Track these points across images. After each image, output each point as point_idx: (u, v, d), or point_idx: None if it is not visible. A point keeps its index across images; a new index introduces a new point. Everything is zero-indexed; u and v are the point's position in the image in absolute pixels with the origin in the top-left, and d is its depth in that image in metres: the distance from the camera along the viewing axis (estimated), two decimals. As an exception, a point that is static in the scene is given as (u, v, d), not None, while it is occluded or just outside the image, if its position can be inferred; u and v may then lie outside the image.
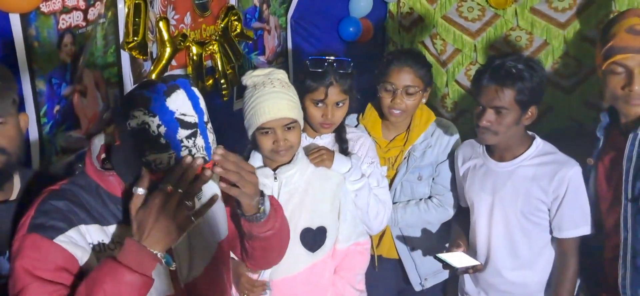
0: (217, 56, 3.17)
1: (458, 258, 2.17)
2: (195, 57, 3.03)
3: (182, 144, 1.37)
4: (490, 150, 2.21)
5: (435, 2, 4.83)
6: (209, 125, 1.43)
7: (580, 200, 2.06)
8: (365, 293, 2.10)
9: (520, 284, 2.19)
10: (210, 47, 3.13)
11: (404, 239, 2.47)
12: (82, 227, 1.38)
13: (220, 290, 1.63)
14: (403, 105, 2.27)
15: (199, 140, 1.38)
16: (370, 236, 2.23)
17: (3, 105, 1.53)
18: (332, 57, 2.12)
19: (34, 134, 2.21)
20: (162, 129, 1.34)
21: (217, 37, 3.18)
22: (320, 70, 2.08)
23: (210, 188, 1.48)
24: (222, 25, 3.20)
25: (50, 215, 1.36)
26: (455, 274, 2.26)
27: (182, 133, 1.36)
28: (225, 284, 1.67)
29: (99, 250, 1.40)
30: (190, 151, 1.38)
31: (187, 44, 2.97)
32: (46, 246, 1.34)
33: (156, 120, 1.33)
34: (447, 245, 2.42)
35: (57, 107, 2.32)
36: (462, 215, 2.44)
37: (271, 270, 1.88)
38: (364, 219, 2.12)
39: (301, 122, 1.95)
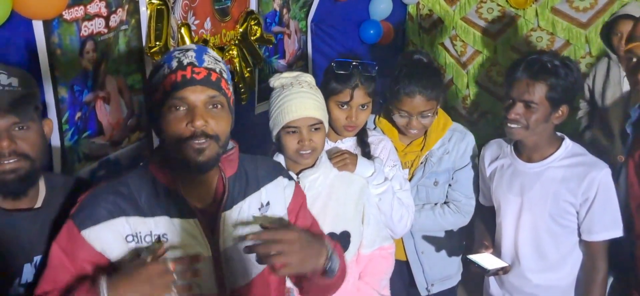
0: (236, 60, 3.16)
1: (488, 260, 2.14)
2: (215, 62, 3.03)
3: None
4: (518, 151, 2.16)
5: (455, 4, 4.80)
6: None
7: (611, 202, 2.02)
8: None
9: (547, 287, 2.14)
10: (230, 52, 3.13)
11: (414, 242, 2.44)
12: (122, 219, 1.42)
13: None
14: (420, 126, 2.24)
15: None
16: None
17: (26, 112, 1.54)
18: (358, 60, 2.11)
19: (56, 141, 2.22)
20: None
21: (237, 42, 3.17)
22: (345, 72, 2.07)
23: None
24: (241, 29, 3.20)
25: (90, 206, 1.43)
26: (485, 275, 2.22)
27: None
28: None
29: (136, 242, 1.43)
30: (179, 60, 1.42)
31: (208, 48, 2.97)
32: (75, 236, 1.41)
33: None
34: (465, 247, 2.39)
35: (78, 114, 2.33)
36: (485, 215, 2.39)
37: None
38: (388, 223, 2.10)
39: (326, 125, 1.93)
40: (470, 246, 2.42)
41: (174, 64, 1.42)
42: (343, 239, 1.89)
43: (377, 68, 2.13)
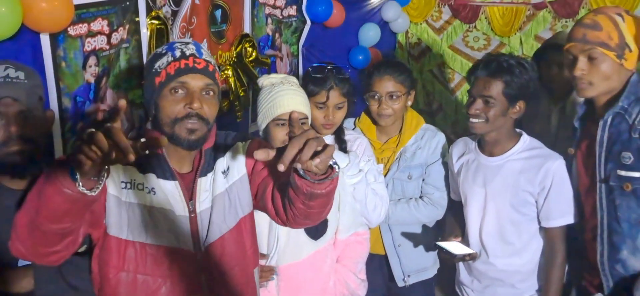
0: (231, 80, 3.31)
1: (456, 247, 2.31)
2: (211, 81, 3.18)
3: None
4: (482, 146, 2.33)
5: (442, 33, 5.00)
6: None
7: (565, 190, 2.18)
8: (366, 281, 2.19)
9: (511, 272, 2.29)
10: (225, 72, 3.28)
11: (392, 236, 2.58)
12: (120, 166, 1.58)
13: (237, 258, 1.77)
14: (389, 109, 2.44)
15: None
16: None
17: (32, 101, 1.74)
18: (332, 65, 2.31)
19: (59, 150, 2.34)
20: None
21: (232, 63, 3.33)
22: (321, 76, 2.25)
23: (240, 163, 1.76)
24: (236, 51, 3.36)
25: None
26: (453, 261, 2.34)
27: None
28: (244, 254, 1.80)
29: (129, 187, 1.62)
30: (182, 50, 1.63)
31: (204, 68, 3.13)
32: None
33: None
34: (439, 238, 2.51)
35: (80, 124, 2.46)
36: (455, 209, 2.53)
37: (278, 256, 2.02)
38: (363, 212, 2.25)
39: (310, 122, 2.08)
40: (443, 238, 2.54)
41: (177, 53, 1.63)
42: (321, 223, 2.03)
43: (349, 71, 2.32)
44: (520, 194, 2.20)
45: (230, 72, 3.31)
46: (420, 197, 2.55)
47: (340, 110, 2.33)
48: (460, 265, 2.45)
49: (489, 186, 2.26)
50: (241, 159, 1.83)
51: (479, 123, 2.19)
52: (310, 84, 2.29)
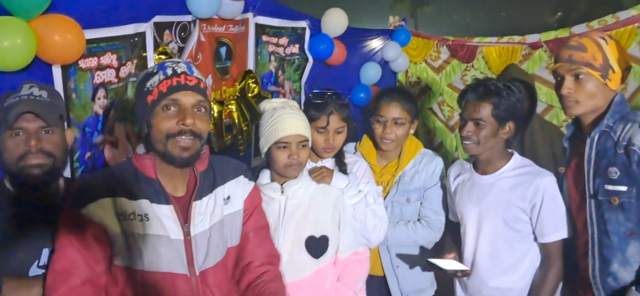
0: (235, 114, 3.40)
1: (448, 263, 2.35)
2: (215, 115, 3.27)
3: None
4: (476, 166, 2.39)
5: (441, 72, 5.11)
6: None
7: (557, 206, 2.24)
8: None
9: (503, 289, 2.33)
10: (229, 106, 3.37)
11: (390, 257, 2.63)
12: (110, 199, 1.62)
13: (226, 284, 1.81)
14: (393, 134, 2.52)
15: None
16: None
17: (52, 118, 1.83)
18: (332, 91, 2.39)
19: (67, 176, 2.41)
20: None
21: (235, 98, 3.42)
22: (321, 101, 2.33)
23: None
24: (240, 86, 3.45)
25: (85, 187, 1.64)
26: (445, 276, 2.37)
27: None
28: (230, 281, 1.86)
29: (123, 219, 1.63)
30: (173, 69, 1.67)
31: (208, 103, 3.22)
32: (76, 216, 1.60)
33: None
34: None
35: (88, 154, 2.53)
36: (454, 230, 2.57)
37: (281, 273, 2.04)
38: (363, 232, 2.30)
39: (310, 144, 2.15)
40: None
41: (169, 71, 1.68)
42: (322, 242, 2.09)
43: (348, 96, 2.40)
44: (512, 210, 2.26)
45: (234, 107, 3.41)
46: (418, 220, 2.60)
47: (340, 134, 2.41)
48: (457, 284, 2.49)
49: (482, 203, 2.33)
50: (242, 193, 1.88)
51: (471, 144, 2.27)
52: (311, 109, 2.37)
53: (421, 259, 2.61)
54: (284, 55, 3.90)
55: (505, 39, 5.10)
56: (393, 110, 2.52)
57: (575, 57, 2.03)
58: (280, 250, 2.07)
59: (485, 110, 2.21)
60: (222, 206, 1.81)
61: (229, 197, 1.83)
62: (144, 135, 1.72)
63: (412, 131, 2.61)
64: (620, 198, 1.98)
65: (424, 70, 5.20)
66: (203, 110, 1.71)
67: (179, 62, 1.73)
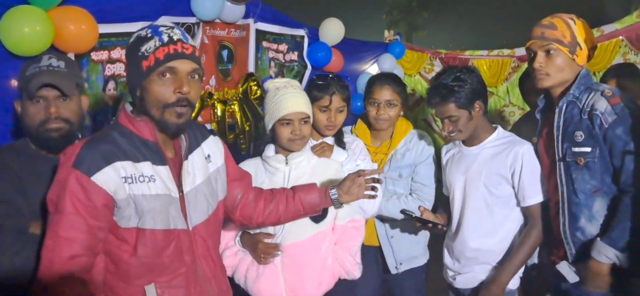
0: (237, 115, 3.54)
1: (427, 214, 2.54)
2: (219, 114, 3.42)
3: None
4: (464, 141, 2.54)
5: (435, 83, 5.27)
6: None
7: (535, 171, 2.41)
8: (361, 265, 2.35)
9: (484, 250, 2.48)
10: (232, 107, 3.52)
11: (385, 228, 2.81)
12: (118, 164, 1.64)
13: (215, 237, 1.93)
14: (386, 115, 2.68)
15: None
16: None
17: (69, 86, 1.95)
18: (333, 74, 2.55)
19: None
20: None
21: (238, 99, 3.57)
22: (324, 82, 2.49)
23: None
24: (242, 88, 3.60)
25: (92, 154, 1.60)
26: (416, 222, 2.50)
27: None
28: (219, 234, 1.98)
29: (131, 182, 1.65)
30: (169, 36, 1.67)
31: (213, 101, 3.37)
32: (86, 183, 1.58)
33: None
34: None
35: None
36: (446, 203, 2.72)
37: (282, 236, 2.22)
38: (359, 202, 2.43)
39: (312, 120, 2.29)
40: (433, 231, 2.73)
41: (165, 38, 1.67)
42: (323, 210, 2.20)
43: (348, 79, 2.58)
44: (493, 177, 2.42)
45: (236, 107, 3.55)
46: (410, 193, 2.74)
47: (341, 113, 2.56)
48: (445, 250, 2.63)
49: (468, 172, 2.48)
50: (218, 150, 1.98)
51: (456, 135, 2.44)
52: (315, 90, 2.52)
53: (413, 229, 2.75)
54: (283, 61, 4.07)
55: (496, 52, 5.30)
56: (385, 93, 2.69)
57: (546, 34, 2.21)
58: None
59: (451, 108, 2.39)
60: (206, 164, 1.91)
61: (209, 156, 1.93)
62: (136, 98, 1.75)
63: (401, 113, 2.77)
64: (585, 158, 2.15)
65: (418, 82, 5.37)
66: (196, 77, 1.73)
67: (173, 28, 1.71)
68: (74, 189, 1.59)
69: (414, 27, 19.33)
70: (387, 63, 5.04)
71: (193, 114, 3.10)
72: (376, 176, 2.11)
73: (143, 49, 1.66)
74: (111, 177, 1.61)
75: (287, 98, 2.23)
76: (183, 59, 1.67)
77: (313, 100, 2.46)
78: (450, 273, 2.60)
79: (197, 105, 3.27)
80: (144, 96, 1.69)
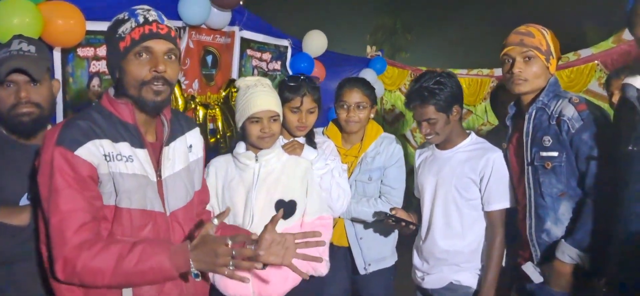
0: (219, 119, 3.61)
1: (393, 218, 2.58)
2: (200, 117, 3.48)
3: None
4: (438, 144, 2.62)
5: (415, 100, 5.39)
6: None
7: (503, 178, 2.49)
8: (328, 262, 2.40)
9: (453, 252, 2.54)
10: (214, 111, 3.58)
11: (355, 230, 2.87)
12: (97, 141, 1.67)
13: (192, 225, 1.94)
14: (356, 117, 2.76)
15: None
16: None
17: (40, 71, 1.96)
18: (304, 75, 2.63)
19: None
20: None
21: (219, 104, 3.63)
22: (295, 84, 2.56)
23: None
24: (224, 94, 3.67)
25: (73, 131, 1.63)
26: (386, 220, 2.56)
27: None
28: (194, 222, 1.97)
29: (109, 159, 1.67)
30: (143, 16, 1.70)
31: (194, 105, 3.43)
32: (71, 158, 1.61)
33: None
34: (396, 231, 2.82)
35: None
36: (416, 206, 2.80)
37: (251, 231, 2.18)
38: (328, 201, 2.50)
39: (281, 118, 2.35)
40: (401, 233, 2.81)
41: (141, 19, 1.70)
42: (290, 205, 2.27)
43: (319, 80, 2.66)
44: (464, 180, 2.50)
45: (218, 112, 3.61)
46: (379, 196, 2.82)
47: (312, 114, 2.63)
48: (414, 251, 2.69)
49: (440, 174, 2.56)
50: (199, 143, 2.02)
51: (433, 137, 2.52)
52: (286, 91, 2.58)
53: (382, 231, 2.82)
54: (266, 70, 4.15)
55: (475, 71, 5.44)
56: (355, 96, 2.77)
57: (525, 41, 2.30)
58: (253, 211, 2.25)
59: (430, 110, 2.47)
60: (187, 153, 1.95)
61: (191, 146, 1.97)
62: (115, 80, 1.79)
63: (372, 115, 2.86)
64: (552, 162, 2.24)
65: (398, 98, 5.47)
66: (173, 57, 1.76)
67: (149, 10, 1.76)
68: (60, 165, 1.62)
69: (397, 48, 19.61)
70: (368, 77, 5.07)
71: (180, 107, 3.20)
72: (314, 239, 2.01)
73: (120, 30, 1.70)
74: (92, 152, 1.65)
75: (257, 97, 2.27)
76: (158, 38, 1.70)
77: (284, 101, 2.51)
78: (419, 274, 2.67)
79: (181, 106, 3.34)
80: (122, 77, 1.73)
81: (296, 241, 1.97)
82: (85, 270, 1.59)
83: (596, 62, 5.06)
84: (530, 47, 2.28)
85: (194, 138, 1.99)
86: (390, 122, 5.56)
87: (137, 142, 1.76)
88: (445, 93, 2.43)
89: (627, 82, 1.96)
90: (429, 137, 2.52)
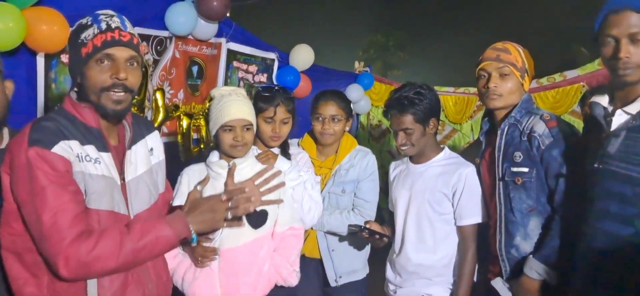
0: (203, 129, 3.63)
1: (367, 230, 2.62)
2: (184, 127, 3.51)
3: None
4: (412, 158, 2.65)
5: (401, 117, 5.44)
6: None
7: (475, 193, 2.53)
8: (298, 272, 2.41)
9: (426, 266, 2.58)
10: (198, 121, 3.61)
11: (327, 242, 2.89)
12: (67, 141, 1.67)
13: None
14: (331, 129, 2.80)
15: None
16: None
17: None
18: (278, 86, 2.67)
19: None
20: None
21: (204, 114, 3.66)
22: (269, 94, 2.59)
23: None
24: (208, 104, 3.69)
25: (43, 132, 1.64)
26: (360, 233, 2.58)
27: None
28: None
29: (80, 160, 1.68)
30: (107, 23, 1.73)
31: (178, 113, 3.46)
32: (47, 155, 1.61)
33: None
34: (368, 244, 2.86)
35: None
36: (391, 219, 2.82)
37: (221, 240, 2.24)
38: (300, 212, 2.52)
39: (255, 128, 2.38)
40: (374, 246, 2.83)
41: (103, 25, 1.72)
42: (261, 215, 2.27)
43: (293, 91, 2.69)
44: (436, 194, 2.53)
45: (202, 122, 3.64)
46: (352, 209, 2.85)
47: (285, 125, 2.65)
48: (387, 264, 2.72)
49: (413, 188, 2.59)
50: (160, 145, 2.06)
51: (408, 148, 2.56)
52: (260, 102, 2.61)
53: (354, 243, 2.85)
54: (252, 82, 4.18)
55: (462, 89, 5.49)
56: (330, 108, 2.81)
57: (502, 57, 2.35)
58: None
59: (408, 119, 2.51)
60: (149, 156, 1.98)
61: (151, 149, 2.00)
62: (77, 84, 1.81)
63: (347, 128, 2.89)
64: (522, 178, 2.27)
65: (385, 114, 5.51)
66: (135, 64, 1.78)
67: (113, 16, 1.77)
68: (38, 165, 1.62)
69: (389, 65, 19.77)
70: (355, 93, 5.19)
71: (156, 123, 3.24)
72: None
73: (82, 36, 1.73)
74: (66, 149, 1.67)
75: (231, 105, 2.30)
76: (120, 46, 1.73)
77: (258, 111, 2.54)
78: (392, 287, 2.70)
79: (162, 115, 3.37)
80: (83, 82, 1.75)
81: (256, 182, 2.02)
82: (91, 258, 1.61)
83: (582, 83, 5.12)
84: (506, 63, 2.33)
85: (154, 141, 2.03)
86: (377, 137, 5.60)
87: (102, 145, 1.78)
88: (424, 104, 2.48)
89: (594, 100, 2.01)
90: (403, 148, 2.55)
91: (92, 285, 1.72)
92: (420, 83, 2.58)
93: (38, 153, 1.62)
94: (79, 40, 1.73)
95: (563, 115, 5.60)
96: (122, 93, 1.75)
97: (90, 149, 1.74)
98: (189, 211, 1.79)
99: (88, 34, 1.72)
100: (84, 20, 1.77)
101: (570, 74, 5.32)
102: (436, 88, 5.33)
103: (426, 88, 2.55)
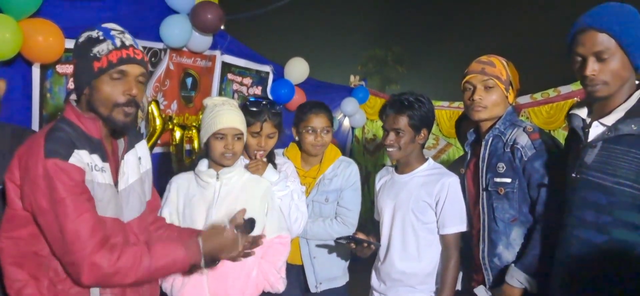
0: (196, 141, 3.68)
1: (355, 239, 2.67)
2: (177, 138, 3.56)
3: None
4: (397, 168, 2.70)
5: (396, 130, 5.48)
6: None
7: (458, 203, 2.58)
8: (285, 279, 2.47)
9: (409, 273, 2.61)
10: (190, 132, 3.66)
11: (309, 249, 2.95)
12: (79, 151, 1.73)
13: (147, 232, 2.03)
14: (322, 141, 2.83)
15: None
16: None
17: None
18: (267, 100, 2.71)
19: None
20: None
21: (197, 126, 3.71)
22: (256, 109, 2.63)
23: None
24: (202, 116, 3.75)
25: (59, 143, 1.69)
26: (347, 243, 2.62)
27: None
28: (147, 231, 2.06)
29: (90, 170, 1.76)
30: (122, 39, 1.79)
31: (172, 126, 3.51)
32: (66, 167, 1.67)
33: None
34: (350, 251, 2.86)
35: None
36: (376, 228, 2.87)
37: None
38: (286, 221, 2.56)
39: (245, 138, 2.43)
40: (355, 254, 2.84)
41: (118, 42, 1.78)
42: (249, 223, 2.29)
43: (281, 107, 2.74)
44: (420, 203, 2.57)
45: (195, 133, 3.69)
46: (335, 217, 2.90)
47: (271, 139, 2.72)
48: (373, 272, 2.75)
49: (398, 197, 2.63)
50: (147, 154, 2.11)
51: (394, 151, 2.60)
52: (247, 116, 2.62)
53: (335, 251, 2.90)
54: (247, 94, 4.24)
55: (457, 103, 5.55)
56: (322, 120, 2.87)
57: (487, 70, 2.41)
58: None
59: (403, 121, 2.56)
60: (138, 165, 2.02)
61: (140, 158, 2.05)
62: (83, 95, 1.83)
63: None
64: (505, 188, 2.32)
65: (379, 128, 5.56)
66: (143, 79, 1.86)
67: (123, 32, 1.83)
68: (58, 176, 1.67)
69: (388, 80, 19.88)
70: (350, 106, 5.24)
71: (156, 134, 3.30)
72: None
73: (95, 50, 1.76)
74: (79, 159, 1.73)
75: (223, 114, 2.36)
76: (134, 63, 1.80)
77: (245, 125, 2.60)
78: (376, 294, 2.73)
79: (159, 128, 3.42)
80: (92, 94, 1.79)
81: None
82: (112, 271, 1.70)
83: (576, 98, 5.18)
84: (491, 76, 2.39)
85: (142, 150, 2.09)
86: (372, 151, 5.64)
87: (103, 155, 1.84)
88: (422, 111, 2.54)
89: (573, 112, 2.06)
90: (390, 149, 2.60)
91: (95, 290, 1.79)
92: (421, 93, 2.64)
93: (57, 164, 1.68)
94: (91, 54, 1.77)
95: (557, 130, 5.66)
96: (132, 108, 1.81)
97: (96, 158, 1.80)
98: (208, 237, 1.93)
99: (102, 48, 1.77)
100: (93, 34, 1.80)
101: (565, 89, 5.39)
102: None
103: (426, 99, 2.61)
